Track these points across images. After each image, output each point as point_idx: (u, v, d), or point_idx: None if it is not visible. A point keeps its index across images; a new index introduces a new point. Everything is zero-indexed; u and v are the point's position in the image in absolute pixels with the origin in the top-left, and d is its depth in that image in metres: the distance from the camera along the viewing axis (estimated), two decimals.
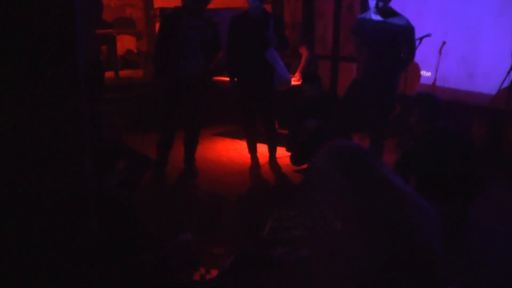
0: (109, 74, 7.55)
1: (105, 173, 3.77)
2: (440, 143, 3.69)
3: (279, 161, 5.31)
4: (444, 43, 6.06)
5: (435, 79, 6.22)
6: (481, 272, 3.22)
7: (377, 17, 4.41)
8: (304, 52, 6.63)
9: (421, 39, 5.74)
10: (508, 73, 5.13)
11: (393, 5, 4.49)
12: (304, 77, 5.36)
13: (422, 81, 6.43)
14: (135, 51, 9.38)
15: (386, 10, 4.37)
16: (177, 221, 3.89)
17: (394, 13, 4.41)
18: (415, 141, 3.88)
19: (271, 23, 4.71)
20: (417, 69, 6.41)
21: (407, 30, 4.38)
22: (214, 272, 3.05)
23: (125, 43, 9.36)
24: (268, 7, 6.66)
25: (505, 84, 5.18)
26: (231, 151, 6.03)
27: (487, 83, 5.62)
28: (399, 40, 4.38)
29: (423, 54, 6.01)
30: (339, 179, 0.93)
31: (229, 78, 5.02)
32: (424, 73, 6.40)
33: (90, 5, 4.46)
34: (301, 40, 6.80)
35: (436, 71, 6.18)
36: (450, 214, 3.61)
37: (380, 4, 4.30)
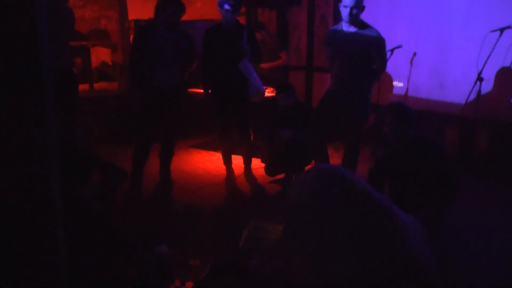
0: (84, 86, 7.51)
1: (79, 185, 3.75)
2: (411, 151, 3.78)
3: (254, 172, 5.33)
4: (415, 54, 6.18)
5: (407, 90, 6.33)
6: (455, 275, 3.28)
7: (349, 29, 4.49)
8: (284, 56, 6.87)
9: (392, 50, 5.85)
10: (475, 83, 5.26)
11: (365, 17, 4.58)
12: (278, 87, 5.41)
13: (394, 91, 6.54)
14: (110, 63, 9.33)
15: (357, 22, 4.46)
16: (153, 233, 3.88)
17: (365, 25, 4.51)
18: (387, 149, 3.96)
19: (245, 35, 4.75)
20: (389, 80, 6.51)
21: (378, 42, 4.47)
22: (190, 284, 3.05)
23: (100, 55, 9.30)
24: (242, 19, 6.72)
25: (473, 94, 5.31)
26: (206, 162, 6.03)
27: (457, 92, 5.75)
28: (370, 51, 4.46)
29: (395, 65, 6.13)
30: (324, 200, 0.92)
31: (203, 90, 5.05)
32: (397, 84, 6.51)
33: (61, 16, 4.45)
34: (281, 46, 7.14)
35: (408, 81, 6.30)
36: (424, 219, 3.67)
37: (354, 11, 4.35)
